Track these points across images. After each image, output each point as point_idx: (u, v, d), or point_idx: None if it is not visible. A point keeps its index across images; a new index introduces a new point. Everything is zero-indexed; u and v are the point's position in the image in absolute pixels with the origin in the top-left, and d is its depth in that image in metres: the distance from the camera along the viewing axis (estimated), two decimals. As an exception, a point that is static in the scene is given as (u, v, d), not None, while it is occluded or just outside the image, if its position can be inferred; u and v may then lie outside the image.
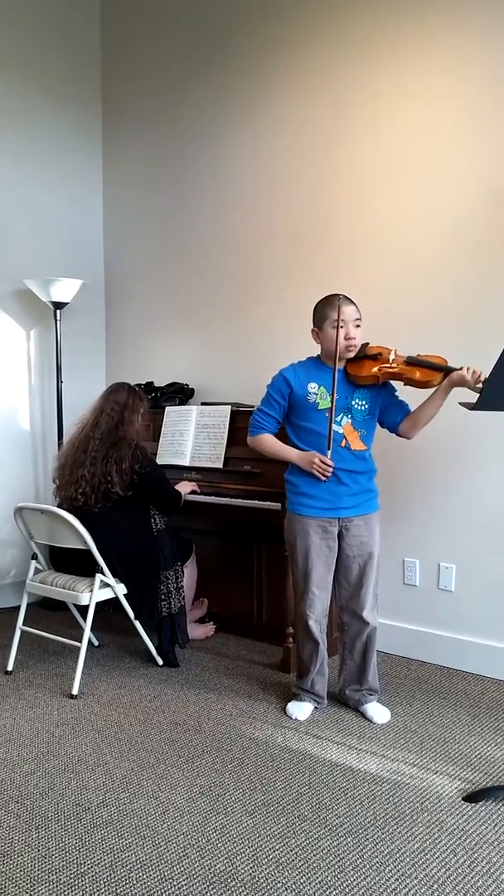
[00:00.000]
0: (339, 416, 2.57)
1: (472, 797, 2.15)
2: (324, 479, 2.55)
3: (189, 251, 4.11)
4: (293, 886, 1.78)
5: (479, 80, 2.98)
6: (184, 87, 4.07)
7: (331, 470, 2.53)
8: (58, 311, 4.04)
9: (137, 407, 3.14)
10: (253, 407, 3.57)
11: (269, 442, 2.68)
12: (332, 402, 2.53)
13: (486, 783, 2.24)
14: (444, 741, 2.51)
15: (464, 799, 2.15)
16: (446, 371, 2.49)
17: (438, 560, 3.19)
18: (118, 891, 1.76)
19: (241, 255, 3.87)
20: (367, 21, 3.28)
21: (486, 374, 2.38)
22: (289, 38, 3.59)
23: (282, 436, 2.72)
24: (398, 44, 3.20)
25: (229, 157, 3.89)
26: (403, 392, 2.68)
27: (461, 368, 2.45)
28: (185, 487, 3.33)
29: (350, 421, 2.59)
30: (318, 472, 2.54)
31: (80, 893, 1.76)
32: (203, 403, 3.80)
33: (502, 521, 3.01)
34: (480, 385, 2.40)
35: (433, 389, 2.54)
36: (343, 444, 2.57)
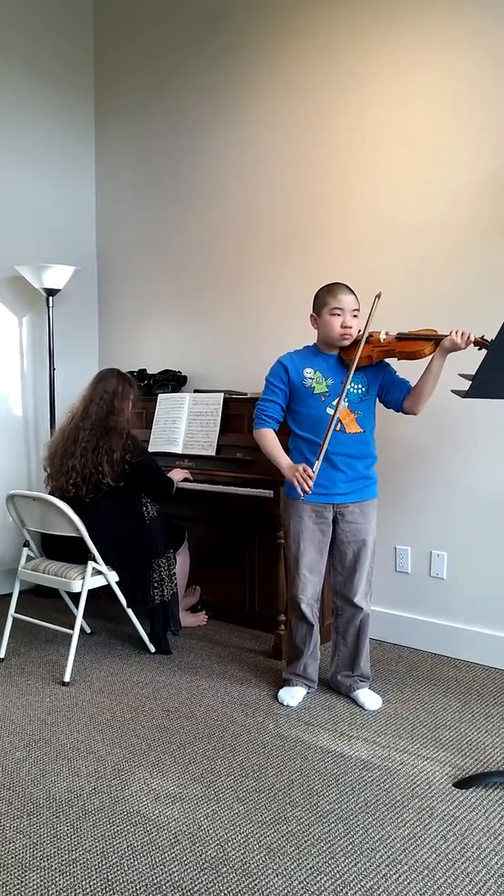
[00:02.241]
0: (335, 401, 2.56)
1: (462, 783, 2.16)
2: (301, 494, 2.48)
3: (182, 238, 4.08)
4: (284, 872, 1.79)
5: (480, 65, 2.95)
6: (176, 73, 4.02)
7: (311, 483, 2.46)
8: (50, 298, 4.01)
9: (127, 393, 3.11)
10: (245, 394, 3.58)
11: (267, 440, 2.66)
12: (342, 392, 2.51)
13: (477, 769, 2.25)
14: (434, 728, 2.53)
15: (454, 785, 2.16)
16: (436, 339, 2.49)
17: (430, 548, 3.20)
18: (109, 877, 1.77)
19: (234, 242, 3.84)
20: (365, 6, 3.24)
21: (475, 335, 2.41)
22: (284, 22, 3.54)
23: (282, 424, 2.71)
24: (397, 29, 3.16)
25: (223, 143, 3.85)
26: (402, 369, 2.66)
27: (450, 333, 2.45)
28: (177, 475, 3.31)
29: (346, 404, 2.58)
30: (298, 481, 2.48)
31: (72, 880, 1.76)
32: (196, 391, 3.78)
33: (494, 509, 3.02)
34: (474, 347, 2.42)
35: (427, 359, 2.53)
36: (338, 427, 2.56)
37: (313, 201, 3.50)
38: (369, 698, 2.69)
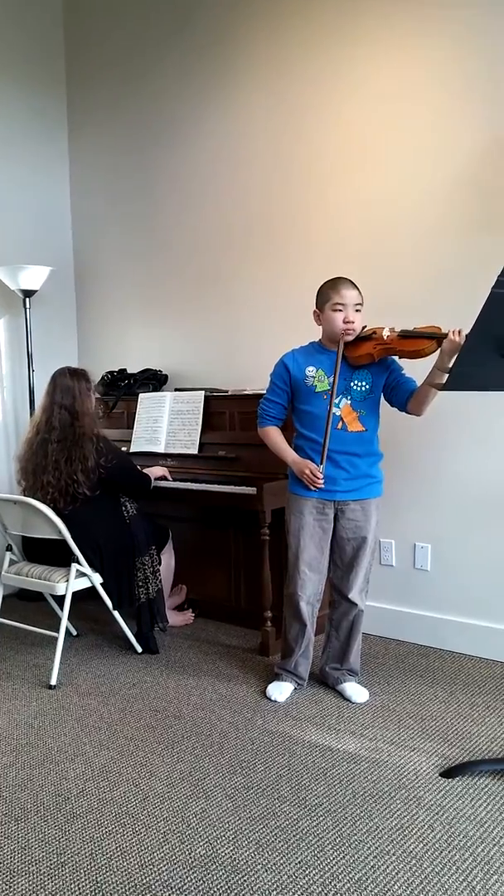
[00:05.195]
0: (338, 399, 2.55)
1: (449, 773, 2.18)
2: (313, 489, 2.56)
3: (159, 236, 4.06)
4: (273, 867, 1.79)
5: (468, 59, 2.96)
6: (149, 71, 4.00)
7: (320, 482, 2.53)
8: (27, 299, 3.99)
9: (86, 390, 3.05)
10: (227, 391, 3.58)
11: (273, 436, 2.68)
12: (334, 385, 2.50)
13: (463, 758, 2.27)
14: (421, 718, 2.54)
15: (441, 775, 2.18)
16: (438, 338, 2.43)
17: (414, 540, 3.22)
18: (98, 878, 1.77)
19: (213, 240, 3.83)
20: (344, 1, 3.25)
21: None
22: (258, 14, 3.53)
23: (286, 420, 2.72)
24: (371, 24, 3.16)
25: (199, 139, 3.84)
26: (409, 367, 2.64)
27: (449, 333, 2.37)
28: (156, 472, 3.30)
29: (349, 402, 2.57)
30: (308, 481, 2.55)
31: (61, 883, 1.76)
32: (177, 389, 3.77)
33: (475, 500, 3.04)
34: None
35: (428, 357, 2.47)
36: (340, 426, 2.56)
37: (295, 196, 3.49)
38: (356, 691, 2.71)
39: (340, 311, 2.52)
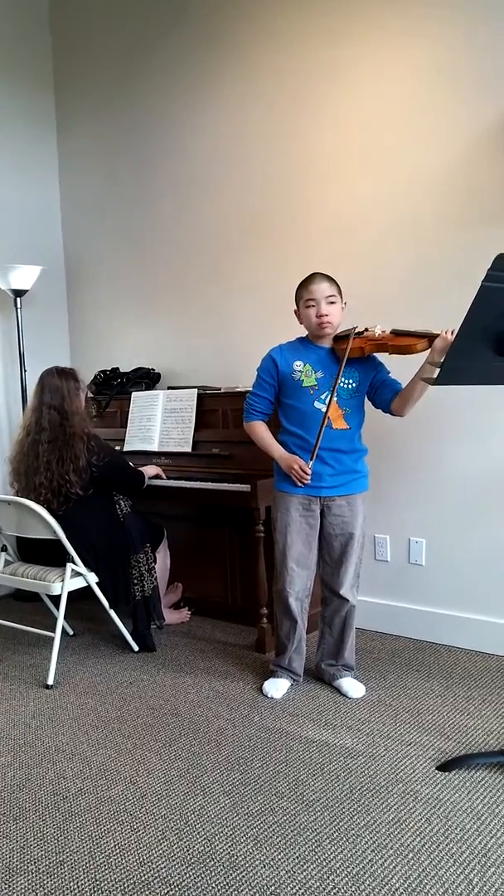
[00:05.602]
0: (324, 395, 2.56)
1: (445, 766, 2.19)
2: (300, 484, 2.56)
3: (150, 234, 4.06)
4: (270, 863, 1.80)
5: (443, 49, 2.96)
6: (140, 70, 3.99)
7: (308, 478, 2.54)
8: (18, 299, 3.98)
9: (74, 390, 3.03)
10: (219, 389, 3.57)
11: (259, 431, 2.69)
12: (333, 388, 2.52)
13: (459, 752, 2.28)
14: (417, 712, 2.55)
15: (437, 768, 2.19)
16: (430, 336, 2.44)
17: (408, 535, 3.22)
18: (97, 876, 1.77)
19: (203, 237, 3.83)
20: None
21: None
22: (251, 13, 3.52)
23: (273, 415, 2.73)
24: (370, 18, 3.16)
25: (189, 138, 3.83)
26: (395, 371, 2.65)
27: (442, 332, 2.38)
28: (150, 471, 3.30)
29: (335, 399, 2.57)
30: (296, 477, 2.56)
31: (59, 881, 1.76)
32: (170, 388, 3.77)
33: (470, 494, 3.05)
34: None
35: (418, 355, 2.47)
36: (325, 422, 2.56)
37: (285, 193, 3.48)
38: (352, 686, 2.72)
39: (313, 306, 2.54)
